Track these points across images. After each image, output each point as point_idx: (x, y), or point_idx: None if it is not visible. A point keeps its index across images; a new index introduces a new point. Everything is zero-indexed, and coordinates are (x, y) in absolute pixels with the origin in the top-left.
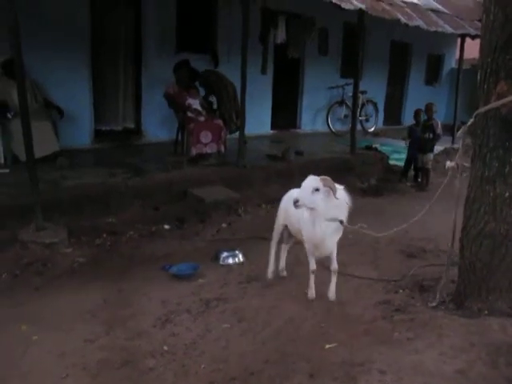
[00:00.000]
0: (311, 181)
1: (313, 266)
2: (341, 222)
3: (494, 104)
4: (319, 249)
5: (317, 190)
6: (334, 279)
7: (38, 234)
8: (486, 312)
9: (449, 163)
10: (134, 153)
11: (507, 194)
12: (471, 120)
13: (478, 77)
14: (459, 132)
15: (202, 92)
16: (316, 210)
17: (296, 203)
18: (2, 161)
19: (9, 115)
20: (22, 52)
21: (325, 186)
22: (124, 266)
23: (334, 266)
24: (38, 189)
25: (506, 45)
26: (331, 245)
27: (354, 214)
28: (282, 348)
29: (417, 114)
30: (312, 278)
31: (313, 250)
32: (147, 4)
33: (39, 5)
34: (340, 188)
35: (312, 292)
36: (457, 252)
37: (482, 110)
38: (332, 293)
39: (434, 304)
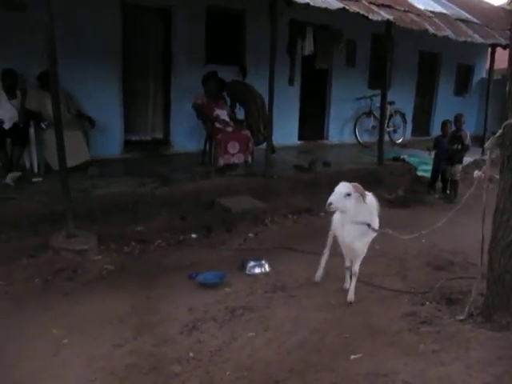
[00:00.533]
0: (343, 186)
1: (347, 263)
2: (368, 225)
3: None
4: (348, 249)
5: (348, 194)
6: (353, 282)
7: (69, 240)
8: None
9: (476, 172)
10: (163, 163)
11: None
12: (500, 131)
13: (507, 87)
14: (487, 143)
15: (229, 102)
16: (346, 213)
17: (328, 206)
18: (36, 169)
19: (43, 125)
20: (57, 65)
21: (355, 191)
22: (152, 273)
23: (355, 269)
24: (70, 197)
25: None
26: (359, 247)
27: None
28: (306, 358)
29: (444, 125)
30: (347, 273)
31: (345, 251)
32: (177, 17)
33: (74, 19)
34: (369, 194)
35: (346, 285)
36: (486, 265)
37: (510, 121)
38: (350, 294)
39: (461, 317)
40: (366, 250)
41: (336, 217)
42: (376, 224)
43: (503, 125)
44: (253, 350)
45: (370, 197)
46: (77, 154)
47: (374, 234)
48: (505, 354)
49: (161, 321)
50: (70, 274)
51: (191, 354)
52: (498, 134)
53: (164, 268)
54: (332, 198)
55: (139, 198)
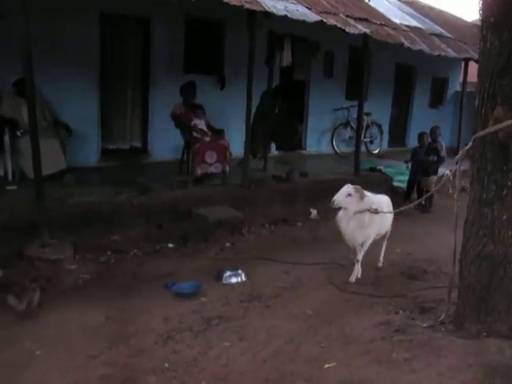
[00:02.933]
0: (346, 188)
1: (358, 255)
2: (368, 210)
3: (491, 128)
4: (350, 240)
5: (349, 195)
6: (355, 267)
7: (43, 250)
8: (485, 333)
9: (446, 173)
10: (140, 171)
11: (505, 217)
12: (470, 144)
13: (476, 102)
14: (457, 156)
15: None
16: (348, 209)
17: (332, 203)
18: (11, 177)
19: (18, 133)
20: (33, 72)
21: (356, 192)
22: (128, 283)
23: (357, 257)
24: (45, 206)
25: (502, 71)
26: (358, 236)
27: None
28: (281, 367)
29: (421, 137)
30: (356, 265)
31: (349, 242)
32: (156, 26)
33: (50, 27)
34: (383, 196)
35: (353, 278)
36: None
37: (479, 134)
38: (352, 277)
39: (425, 324)
40: (368, 242)
41: (340, 215)
42: (384, 222)
43: (472, 138)
44: (228, 360)
45: (379, 197)
46: (53, 162)
47: (376, 229)
48: (474, 361)
49: (136, 331)
50: (44, 284)
51: (166, 365)
52: (467, 147)
53: (140, 278)
54: (336, 197)
55: (116, 207)
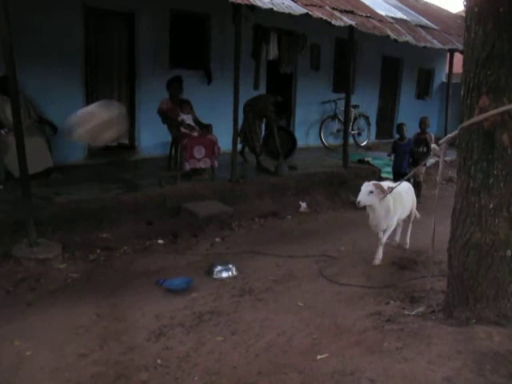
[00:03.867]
0: (366, 186)
1: (382, 239)
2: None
3: (476, 118)
4: (376, 227)
5: (371, 192)
6: (379, 249)
7: (31, 249)
8: (474, 320)
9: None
10: (128, 168)
11: (491, 205)
12: (455, 132)
13: (462, 92)
14: (441, 140)
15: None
16: (372, 206)
17: (358, 204)
18: None
19: (2, 131)
20: (16, 69)
21: (376, 188)
22: (118, 280)
23: (381, 240)
24: (32, 205)
25: (486, 61)
26: (383, 224)
27: (347, 226)
28: (274, 360)
29: (400, 128)
30: (379, 247)
31: (375, 229)
32: (141, 21)
33: (33, 23)
34: (404, 183)
35: (376, 261)
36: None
37: (465, 123)
38: (376, 260)
39: (412, 313)
40: (392, 227)
41: (368, 209)
42: (405, 207)
43: (458, 127)
44: (221, 355)
45: (402, 184)
46: (39, 161)
47: (398, 214)
48: (464, 348)
49: (127, 328)
50: (33, 283)
51: (159, 361)
52: (452, 134)
53: (130, 275)
54: (359, 198)
55: (104, 205)
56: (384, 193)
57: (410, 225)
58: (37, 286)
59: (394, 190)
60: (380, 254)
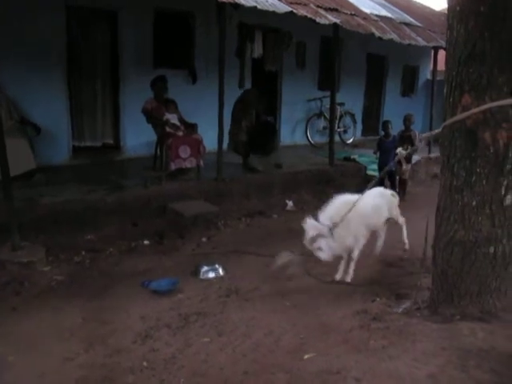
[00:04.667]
0: (310, 231)
1: (353, 255)
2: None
3: (459, 116)
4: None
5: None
6: (351, 265)
7: (14, 253)
8: (458, 317)
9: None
10: (113, 169)
11: (474, 203)
12: (438, 129)
13: (445, 89)
14: (424, 135)
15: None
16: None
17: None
18: None
19: None
20: None
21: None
22: (103, 282)
23: (353, 256)
24: (14, 207)
25: (468, 60)
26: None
27: None
28: (261, 360)
29: (385, 125)
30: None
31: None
32: (124, 20)
33: (14, 23)
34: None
35: (348, 277)
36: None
37: (448, 121)
38: (348, 272)
39: (398, 310)
40: (360, 242)
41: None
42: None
43: (442, 125)
44: (207, 356)
45: (372, 192)
46: (21, 162)
47: (365, 229)
48: (448, 345)
49: (113, 331)
50: (17, 287)
51: (145, 363)
52: (436, 131)
53: (116, 277)
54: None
55: (89, 206)
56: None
57: (404, 226)
58: (21, 290)
59: (356, 205)
60: (351, 271)
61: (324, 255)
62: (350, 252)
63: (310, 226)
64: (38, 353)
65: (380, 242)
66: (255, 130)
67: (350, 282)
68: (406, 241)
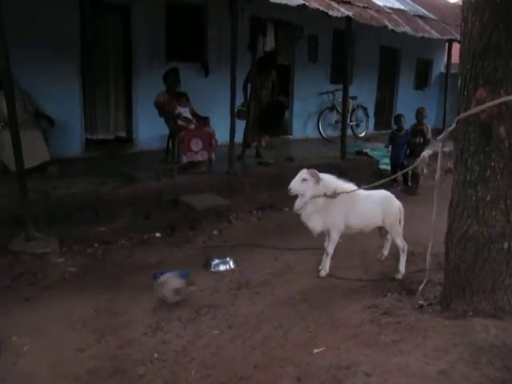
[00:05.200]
0: (301, 173)
1: (327, 247)
2: (325, 194)
3: (473, 110)
4: (309, 227)
5: (304, 179)
6: (324, 259)
7: (28, 244)
8: (471, 313)
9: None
10: (126, 161)
11: (489, 198)
12: (453, 125)
13: (459, 83)
14: (440, 137)
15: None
16: (304, 196)
17: (289, 191)
18: None
19: None
20: (11, 63)
21: (312, 176)
22: (115, 274)
23: (327, 249)
24: (28, 199)
25: (483, 52)
26: (316, 224)
27: None
28: (271, 353)
29: (398, 119)
30: (324, 257)
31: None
32: (137, 13)
33: (29, 16)
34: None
35: (322, 272)
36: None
37: (462, 115)
38: (322, 272)
39: (413, 306)
40: (334, 234)
41: (297, 202)
42: (370, 215)
43: (455, 119)
44: (217, 348)
45: (378, 193)
46: (35, 155)
47: (341, 219)
48: (460, 341)
49: (124, 322)
50: (31, 278)
51: (155, 355)
52: (450, 128)
53: (128, 268)
54: (291, 184)
55: (101, 198)
56: (318, 184)
57: (402, 253)
58: (34, 281)
59: (348, 195)
60: (327, 265)
61: (300, 199)
62: (324, 234)
63: (303, 170)
64: (50, 343)
65: (387, 245)
66: (268, 107)
67: (323, 276)
68: (401, 269)
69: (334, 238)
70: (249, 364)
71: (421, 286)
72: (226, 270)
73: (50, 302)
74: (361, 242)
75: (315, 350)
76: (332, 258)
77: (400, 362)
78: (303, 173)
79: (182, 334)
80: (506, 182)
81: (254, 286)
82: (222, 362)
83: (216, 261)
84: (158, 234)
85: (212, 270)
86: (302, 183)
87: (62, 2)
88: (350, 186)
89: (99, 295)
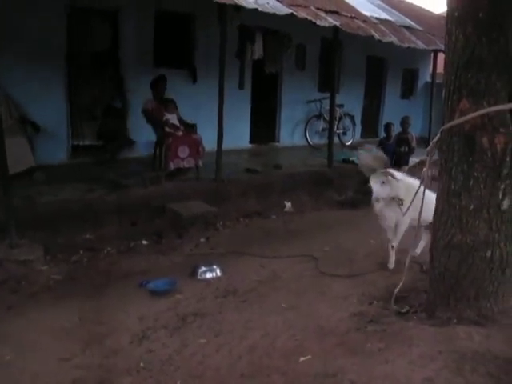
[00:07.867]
0: (376, 176)
1: (391, 241)
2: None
3: (457, 121)
4: (382, 221)
5: (383, 182)
6: (391, 253)
7: (12, 251)
8: (455, 320)
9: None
10: (112, 168)
11: (472, 207)
12: (438, 136)
13: (443, 94)
14: (427, 148)
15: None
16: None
17: (375, 200)
18: None
19: None
20: None
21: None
22: (101, 282)
23: (391, 243)
24: (13, 205)
25: (467, 65)
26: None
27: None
28: (257, 362)
29: (388, 127)
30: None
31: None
32: (125, 20)
33: (15, 22)
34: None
35: (390, 265)
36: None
37: (446, 126)
38: (390, 264)
39: (399, 313)
40: (402, 227)
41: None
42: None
43: (440, 130)
44: (204, 357)
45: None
46: (20, 160)
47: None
48: (445, 348)
49: (110, 331)
50: (14, 285)
51: (142, 364)
52: (436, 138)
53: (114, 276)
54: (375, 191)
55: (87, 205)
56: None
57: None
58: (18, 289)
59: (415, 190)
60: (392, 258)
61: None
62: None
63: (376, 174)
64: (34, 353)
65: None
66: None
67: (391, 267)
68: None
69: (401, 231)
70: (235, 373)
71: (396, 289)
72: (213, 278)
73: (33, 311)
74: (348, 250)
75: (302, 359)
76: (319, 265)
77: (386, 370)
78: (380, 175)
79: (168, 342)
80: (488, 191)
81: (240, 293)
82: (209, 372)
83: (203, 268)
84: (144, 242)
85: (199, 277)
86: (382, 187)
87: (49, 7)
88: (417, 182)
89: (84, 303)
